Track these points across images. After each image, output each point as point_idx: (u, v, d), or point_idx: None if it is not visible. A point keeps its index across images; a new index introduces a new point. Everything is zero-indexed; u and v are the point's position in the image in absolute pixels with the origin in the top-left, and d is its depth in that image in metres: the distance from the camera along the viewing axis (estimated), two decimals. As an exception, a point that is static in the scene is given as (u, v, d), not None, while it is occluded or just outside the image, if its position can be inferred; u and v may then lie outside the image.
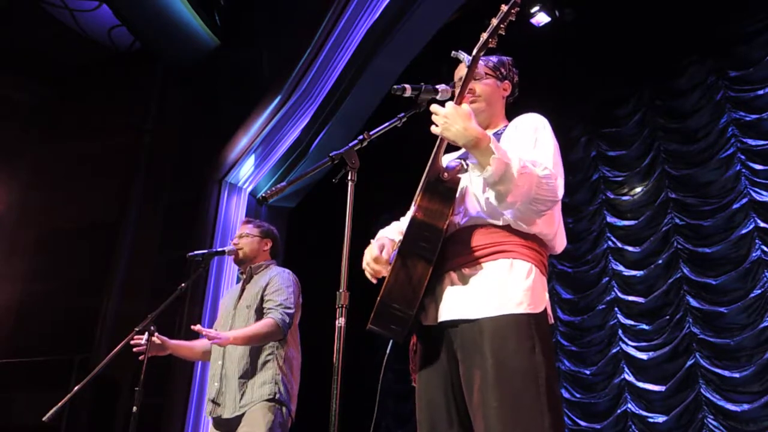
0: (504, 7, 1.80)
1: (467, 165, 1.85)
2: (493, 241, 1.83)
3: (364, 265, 1.97)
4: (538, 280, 1.83)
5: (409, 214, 2.18)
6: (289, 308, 3.16)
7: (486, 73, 2.08)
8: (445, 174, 1.82)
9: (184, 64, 6.74)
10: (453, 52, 1.92)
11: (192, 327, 2.99)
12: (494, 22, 1.80)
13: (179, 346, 3.35)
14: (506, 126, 2.05)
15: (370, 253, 1.96)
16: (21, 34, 6.63)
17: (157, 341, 3.12)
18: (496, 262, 1.81)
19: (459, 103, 1.83)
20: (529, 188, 1.72)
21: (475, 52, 1.83)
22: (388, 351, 1.96)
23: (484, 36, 1.81)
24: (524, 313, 1.75)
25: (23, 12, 6.43)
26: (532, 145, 1.88)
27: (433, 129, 1.79)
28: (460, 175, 1.85)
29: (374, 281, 1.95)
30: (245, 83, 6.24)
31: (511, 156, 1.72)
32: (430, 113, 1.83)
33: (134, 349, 3.07)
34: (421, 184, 1.87)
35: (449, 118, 1.75)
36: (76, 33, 6.64)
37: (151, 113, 6.82)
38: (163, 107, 6.85)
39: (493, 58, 2.13)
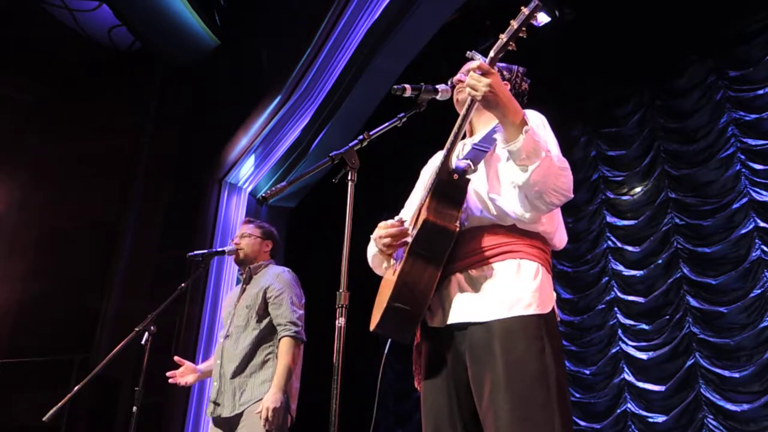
0: (525, 10, 1.70)
1: (475, 166, 1.84)
2: (500, 241, 1.82)
3: (375, 236, 1.92)
4: (545, 279, 1.84)
5: (404, 212, 2.17)
6: (296, 313, 3.18)
7: None
8: (455, 175, 1.80)
9: (184, 64, 6.74)
10: (468, 52, 1.89)
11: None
12: (514, 24, 1.71)
13: (206, 368, 3.42)
14: None
15: (382, 225, 1.92)
16: (21, 34, 6.63)
17: (195, 375, 3.29)
18: (504, 263, 1.81)
19: None
20: (548, 173, 1.71)
21: (492, 54, 1.75)
22: (386, 351, 1.95)
23: (504, 38, 1.72)
24: (533, 314, 1.75)
25: (23, 12, 6.42)
26: None
27: (470, 92, 1.73)
28: (468, 177, 1.83)
29: (392, 240, 1.88)
30: (245, 83, 6.25)
31: (538, 138, 1.71)
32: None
33: (170, 381, 3.25)
34: (430, 184, 1.85)
35: (495, 86, 1.70)
36: (76, 33, 6.65)
37: (151, 113, 6.82)
38: (163, 107, 6.85)
39: (503, 65, 2.11)
